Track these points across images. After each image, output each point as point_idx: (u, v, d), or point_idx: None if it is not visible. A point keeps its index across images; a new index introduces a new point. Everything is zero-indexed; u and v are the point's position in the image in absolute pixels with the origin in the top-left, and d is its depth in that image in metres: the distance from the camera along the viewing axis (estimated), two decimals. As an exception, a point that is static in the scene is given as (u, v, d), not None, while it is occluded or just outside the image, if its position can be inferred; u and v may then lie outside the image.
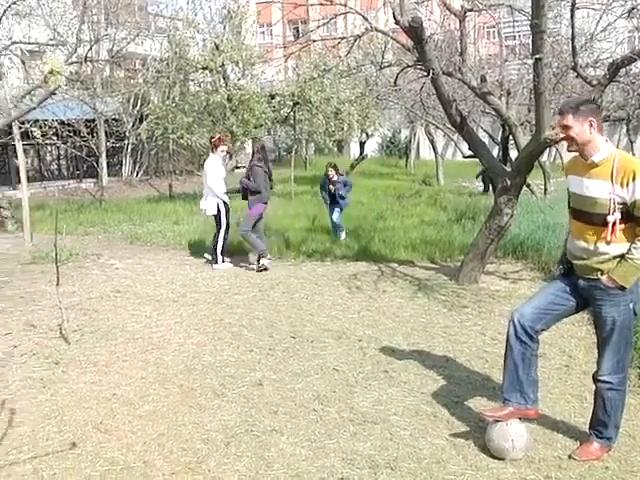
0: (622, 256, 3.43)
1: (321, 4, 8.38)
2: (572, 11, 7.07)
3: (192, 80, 15.77)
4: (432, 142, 23.23)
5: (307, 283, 8.08)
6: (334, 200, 11.22)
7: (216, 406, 4.39)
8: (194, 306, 7.01)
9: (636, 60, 6.34)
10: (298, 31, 40.02)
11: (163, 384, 4.78)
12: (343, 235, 11.07)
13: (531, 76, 10.45)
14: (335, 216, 11.15)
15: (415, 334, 6.03)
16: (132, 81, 21.44)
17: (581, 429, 3.98)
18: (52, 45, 13.73)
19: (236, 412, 4.29)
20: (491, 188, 13.51)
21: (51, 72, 3.32)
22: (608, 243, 3.44)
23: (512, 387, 3.75)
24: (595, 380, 3.70)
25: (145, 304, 7.11)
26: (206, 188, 9.26)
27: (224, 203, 9.18)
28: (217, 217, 9.22)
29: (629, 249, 3.40)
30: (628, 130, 23.10)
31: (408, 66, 7.67)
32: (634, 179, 3.29)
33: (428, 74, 6.85)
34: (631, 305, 3.52)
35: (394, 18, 6.73)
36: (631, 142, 28.32)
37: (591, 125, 3.42)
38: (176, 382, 4.82)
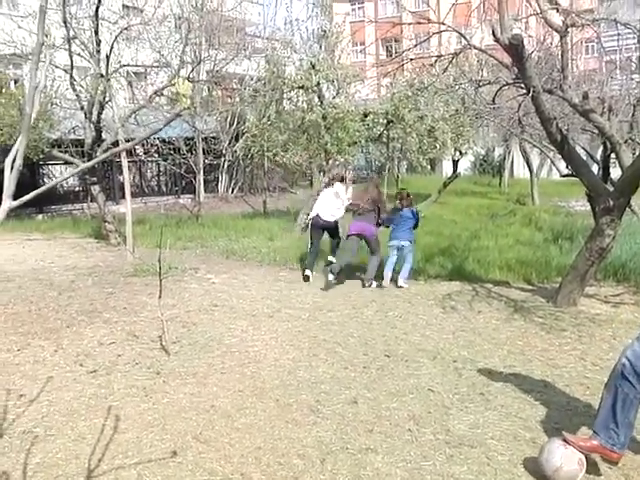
0: None
1: (418, 23, 8.42)
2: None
3: (288, 99, 16.06)
4: (527, 160, 22.71)
5: (401, 302, 8.06)
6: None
7: (311, 422, 4.44)
8: (289, 322, 7.12)
9: None
10: (391, 49, 40.20)
11: (260, 398, 4.88)
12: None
13: (636, 91, 10.14)
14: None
15: (512, 357, 5.90)
16: (230, 100, 22.07)
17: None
18: (157, 67, 14.34)
19: (331, 429, 4.32)
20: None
21: (178, 95, 3.47)
22: None
23: (605, 424, 3.60)
24: None
25: (241, 318, 7.28)
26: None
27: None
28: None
29: None
30: None
31: (507, 84, 7.57)
32: None
33: (528, 92, 6.73)
34: None
35: (493, 36, 6.66)
36: None
37: None
38: (272, 396, 4.90)
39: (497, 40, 6.67)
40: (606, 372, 5.44)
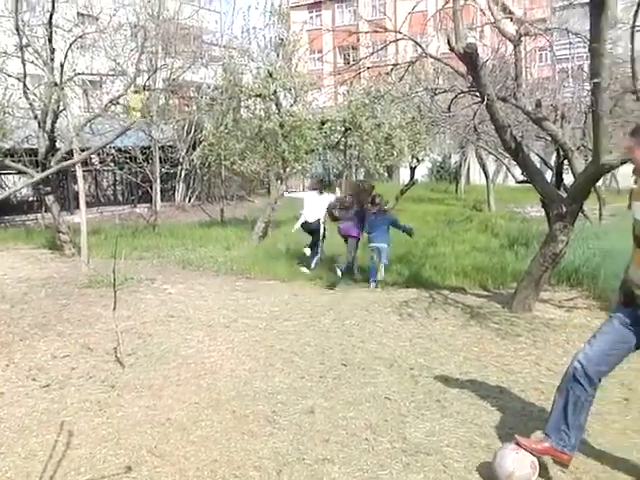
0: None
1: (375, 31, 8.48)
2: (632, 34, 6.95)
3: (245, 107, 16.00)
4: (483, 167, 23.04)
5: (358, 310, 8.06)
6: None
7: (268, 433, 4.40)
8: (245, 332, 7.06)
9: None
10: (348, 57, 40.45)
11: (216, 409, 4.82)
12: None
13: (587, 99, 10.35)
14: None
15: (468, 363, 5.95)
16: (186, 108, 21.91)
17: (643, 466, 3.86)
18: (112, 75, 14.15)
19: (288, 439, 4.29)
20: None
21: (128, 108, 3.40)
22: None
23: (556, 426, 3.64)
24: None
25: (197, 329, 7.20)
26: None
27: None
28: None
29: None
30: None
31: (462, 92, 7.67)
32: None
33: (483, 100, 6.82)
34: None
35: (448, 44, 6.74)
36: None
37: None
38: (228, 408, 4.85)
39: (452, 49, 6.75)
40: (560, 377, 5.51)
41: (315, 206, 11.44)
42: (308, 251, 11.35)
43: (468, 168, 31.61)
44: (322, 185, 12.28)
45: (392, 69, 8.63)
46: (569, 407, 3.58)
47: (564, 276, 9.34)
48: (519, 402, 4.97)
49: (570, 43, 8.78)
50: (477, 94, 7.83)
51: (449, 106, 8.18)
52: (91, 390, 5.29)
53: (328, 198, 11.33)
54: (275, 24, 19.32)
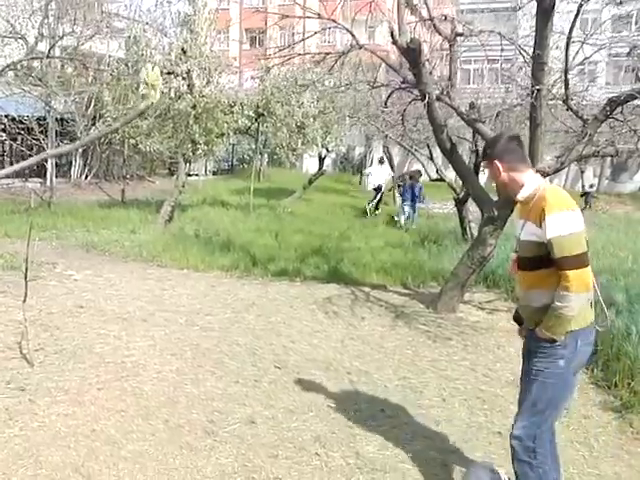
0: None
1: (308, 17, 8.15)
2: (567, 44, 6.98)
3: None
4: (390, 160, 23.19)
5: (282, 305, 7.74)
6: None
7: (209, 447, 4.02)
8: (165, 327, 6.58)
9: (637, 97, 6.28)
10: (259, 40, 39.85)
11: (146, 419, 4.37)
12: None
13: (508, 101, 10.47)
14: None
15: (404, 367, 5.78)
16: (86, 80, 20.67)
17: (603, 485, 3.79)
18: (9, 37, 13.06)
19: (232, 454, 3.93)
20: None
21: (146, 85, 2.88)
22: (528, 288, 3.22)
23: None
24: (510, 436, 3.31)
25: (112, 322, 6.64)
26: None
27: None
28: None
29: (554, 298, 3.05)
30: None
31: (400, 88, 7.48)
32: (544, 218, 2.99)
33: (424, 98, 6.64)
34: (561, 362, 3.11)
35: (392, 38, 6.51)
36: (581, 171, 29.06)
37: (497, 167, 3.20)
38: (160, 417, 4.41)
39: (395, 43, 6.54)
40: (497, 384, 5.51)
41: (378, 173, 19.86)
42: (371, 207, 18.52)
43: (372, 160, 31.82)
44: (383, 158, 21.78)
45: (324, 57, 8.29)
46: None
47: (481, 277, 9.39)
48: (464, 412, 4.84)
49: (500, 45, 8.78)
50: (411, 90, 7.72)
51: (385, 101, 7.99)
52: (-4, 394, 4.70)
53: (387, 168, 20.45)
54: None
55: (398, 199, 18.28)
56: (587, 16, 9.73)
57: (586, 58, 8.56)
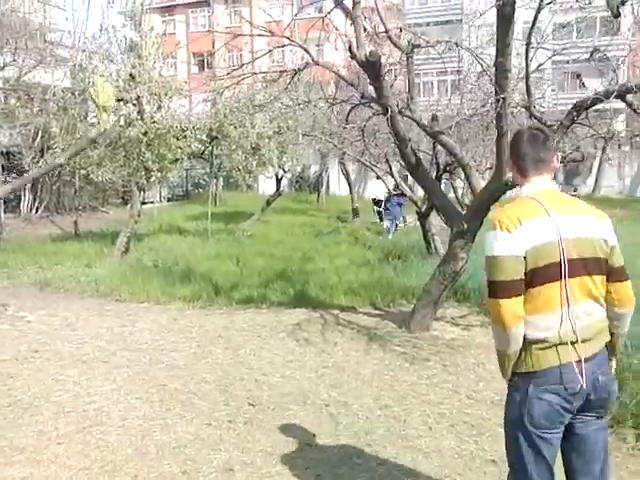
0: None
1: (260, 35, 7.90)
2: (527, 51, 6.87)
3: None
4: (347, 177, 23.05)
5: (249, 336, 7.40)
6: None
7: (184, 503, 3.68)
8: (128, 368, 6.19)
9: (602, 101, 6.17)
10: (204, 63, 39.55)
11: (113, 475, 4.00)
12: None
13: (468, 112, 10.35)
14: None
15: (384, 395, 5.49)
16: (32, 111, 20.07)
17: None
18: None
19: (210, 511, 3.60)
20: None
21: (97, 108, 2.55)
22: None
23: None
24: None
25: (70, 367, 6.23)
26: None
27: None
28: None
29: None
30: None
31: (361, 103, 7.27)
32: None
33: (386, 112, 6.43)
34: (515, 409, 2.64)
35: (350, 52, 6.30)
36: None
37: (512, 166, 2.88)
38: (128, 472, 4.04)
39: (354, 56, 6.32)
40: (482, 406, 5.26)
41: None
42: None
43: (328, 178, 31.71)
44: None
45: (280, 76, 8.07)
46: None
47: (451, 291, 9.19)
48: (453, 440, 4.57)
49: (455, 57, 8.68)
50: (371, 105, 7.53)
51: (346, 117, 7.77)
52: (-55, 457, 4.27)
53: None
54: (133, 25, 17.98)
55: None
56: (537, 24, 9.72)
57: (540, 65, 8.52)
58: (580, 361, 2.53)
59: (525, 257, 2.54)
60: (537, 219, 2.59)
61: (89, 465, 4.13)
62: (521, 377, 2.62)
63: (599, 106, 6.94)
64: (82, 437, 4.58)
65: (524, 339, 2.57)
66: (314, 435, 4.63)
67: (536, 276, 2.54)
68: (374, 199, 20.81)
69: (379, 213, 20.04)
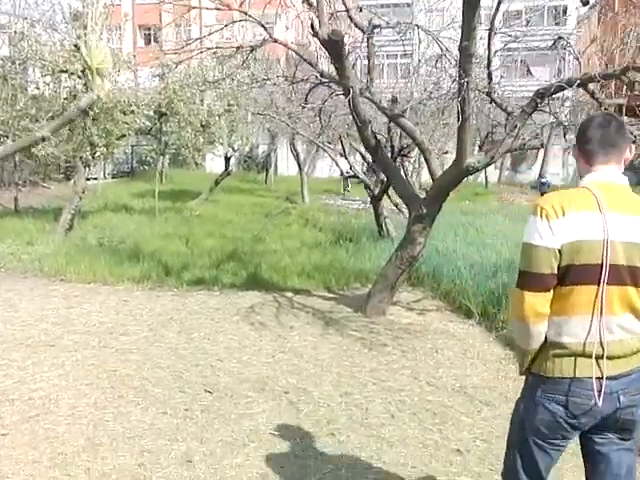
0: None
1: (217, 9, 7.64)
2: (489, 36, 6.80)
3: (46, 83, 14.15)
4: (297, 157, 22.83)
5: (203, 319, 7.20)
6: None
7: (142, 498, 3.50)
8: (76, 352, 5.92)
9: (564, 89, 6.15)
10: (151, 37, 38.56)
11: (64, 469, 3.77)
12: None
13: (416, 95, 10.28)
14: None
15: (344, 381, 5.39)
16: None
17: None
18: None
19: (170, 506, 3.43)
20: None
21: (91, 72, 2.27)
22: None
23: None
24: None
25: (14, 350, 5.93)
26: None
27: None
28: None
29: None
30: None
31: (321, 83, 7.09)
32: None
33: (347, 93, 6.27)
34: (521, 404, 2.56)
35: (312, 29, 6.11)
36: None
37: (578, 156, 2.55)
38: (81, 465, 3.83)
39: (316, 34, 6.13)
40: (443, 393, 5.21)
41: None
42: None
43: (276, 158, 31.41)
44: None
45: (236, 51, 7.79)
46: None
47: (405, 276, 9.16)
48: (416, 429, 4.49)
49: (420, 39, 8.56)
50: (330, 85, 7.36)
51: (306, 97, 7.57)
52: None
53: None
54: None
55: None
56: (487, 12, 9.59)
57: (497, 51, 8.48)
58: (601, 378, 2.31)
59: (560, 250, 2.30)
60: (584, 212, 2.31)
61: (38, 457, 3.89)
62: (534, 378, 2.48)
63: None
64: (29, 427, 4.32)
65: (545, 339, 2.41)
66: (275, 424, 4.48)
67: (570, 274, 2.31)
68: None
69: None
